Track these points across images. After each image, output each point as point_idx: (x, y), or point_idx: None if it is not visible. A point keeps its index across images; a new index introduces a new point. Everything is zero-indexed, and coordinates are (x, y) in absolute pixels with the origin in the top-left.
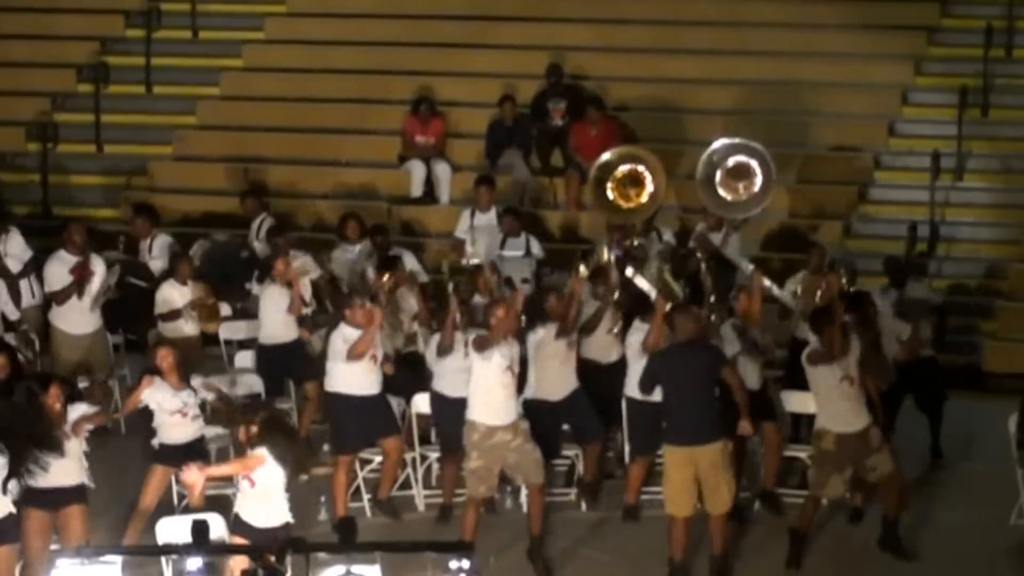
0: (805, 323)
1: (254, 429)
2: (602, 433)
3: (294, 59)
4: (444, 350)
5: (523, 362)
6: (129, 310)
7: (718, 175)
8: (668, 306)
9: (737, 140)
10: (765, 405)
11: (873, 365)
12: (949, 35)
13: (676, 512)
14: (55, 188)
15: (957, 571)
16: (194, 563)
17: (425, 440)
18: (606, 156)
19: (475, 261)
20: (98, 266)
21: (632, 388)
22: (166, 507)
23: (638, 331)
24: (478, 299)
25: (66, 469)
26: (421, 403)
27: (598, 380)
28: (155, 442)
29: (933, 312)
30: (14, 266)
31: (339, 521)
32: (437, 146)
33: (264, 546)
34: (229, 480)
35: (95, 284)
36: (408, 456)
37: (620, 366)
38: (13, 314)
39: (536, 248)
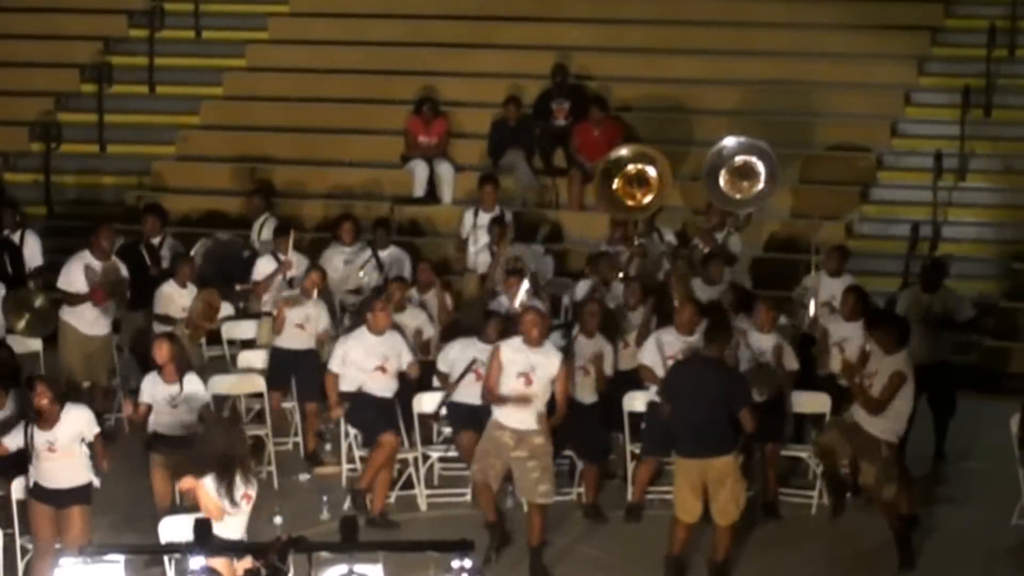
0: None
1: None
2: (601, 457)
3: (297, 59)
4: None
5: None
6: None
7: (723, 171)
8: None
9: (748, 140)
10: (775, 423)
11: None
12: (952, 35)
13: (684, 517)
14: (59, 188)
15: (958, 571)
16: (197, 562)
17: (427, 440)
18: (621, 152)
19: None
20: (121, 272)
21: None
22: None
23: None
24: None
25: (71, 471)
26: (425, 403)
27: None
28: (149, 428)
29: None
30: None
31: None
32: (440, 146)
33: (267, 545)
34: None
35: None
36: (410, 456)
37: (632, 374)
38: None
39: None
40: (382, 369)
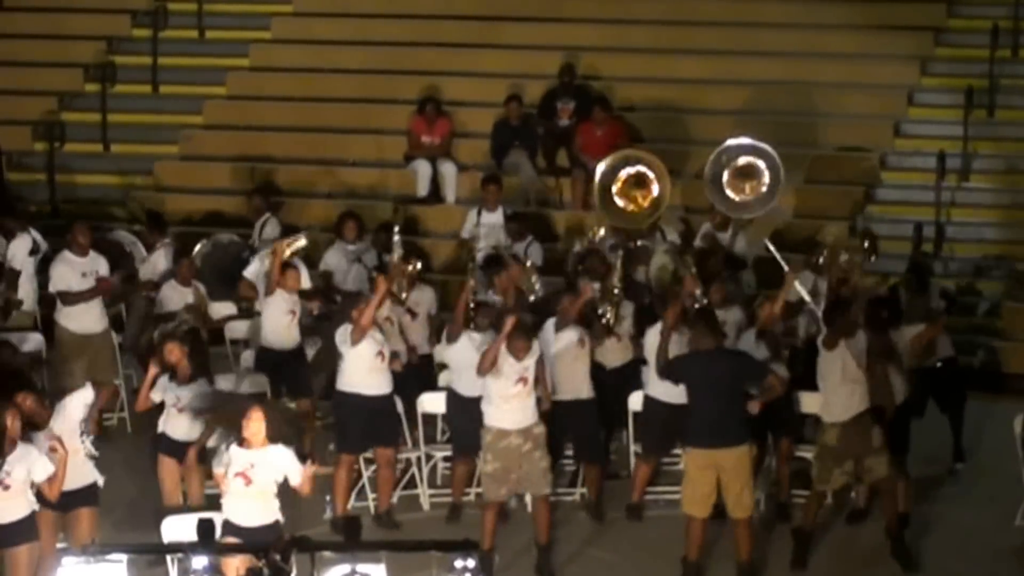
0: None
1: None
2: (599, 455)
3: (300, 59)
4: (451, 338)
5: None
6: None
7: (725, 174)
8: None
9: (748, 140)
10: (789, 419)
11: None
12: (955, 36)
13: (695, 513)
14: (62, 187)
15: (962, 571)
16: (200, 561)
17: (430, 439)
18: (606, 163)
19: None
20: (102, 267)
21: (651, 387)
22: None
23: (655, 333)
24: (491, 295)
25: (75, 471)
26: (427, 402)
27: (603, 383)
28: (160, 430)
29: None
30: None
31: (343, 520)
32: (443, 146)
33: (269, 544)
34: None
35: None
36: (413, 455)
37: (625, 370)
38: None
39: (536, 254)
40: (380, 355)
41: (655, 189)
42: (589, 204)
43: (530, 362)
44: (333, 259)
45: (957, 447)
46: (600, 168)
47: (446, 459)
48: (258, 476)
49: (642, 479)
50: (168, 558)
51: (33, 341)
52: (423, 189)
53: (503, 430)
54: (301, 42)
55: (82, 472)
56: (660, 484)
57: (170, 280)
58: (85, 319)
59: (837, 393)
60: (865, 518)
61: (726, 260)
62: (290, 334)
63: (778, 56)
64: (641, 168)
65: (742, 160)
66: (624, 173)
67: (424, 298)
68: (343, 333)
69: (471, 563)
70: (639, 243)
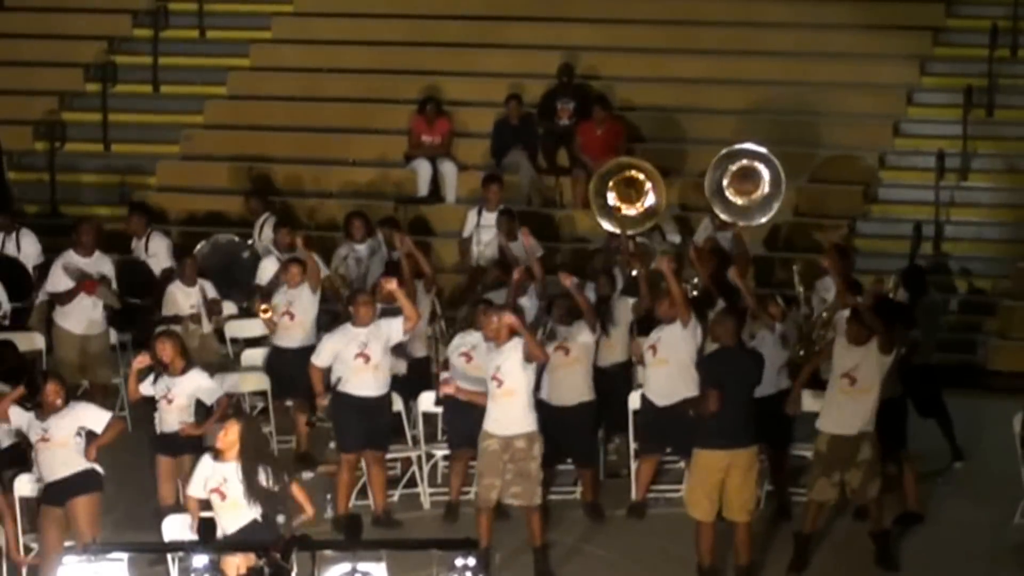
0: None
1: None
2: (595, 459)
3: (301, 59)
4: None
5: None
6: (132, 313)
7: (726, 180)
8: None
9: (736, 146)
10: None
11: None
12: (954, 35)
13: (700, 516)
14: (63, 187)
15: (960, 570)
16: (200, 560)
17: (430, 438)
18: (601, 169)
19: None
20: (106, 267)
21: (649, 388)
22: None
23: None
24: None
25: (62, 460)
26: (426, 401)
27: (598, 383)
28: (156, 430)
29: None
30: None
31: (343, 519)
32: (443, 145)
33: (270, 543)
34: None
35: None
36: (413, 454)
37: (621, 369)
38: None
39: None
40: (364, 357)
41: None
42: (589, 204)
43: (503, 359)
44: (342, 259)
45: (953, 446)
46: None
47: (446, 458)
48: (231, 490)
49: (644, 478)
50: (169, 557)
51: (33, 340)
52: (423, 189)
53: (486, 431)
54: (302, 42)
55: (70, 460)
56: (661, 483)
57: (175, 281)
58: (82, 320)
59: (833, 401)
60: (868, 516)
61: (726, 260)
62: (301, 334)
63: (778, 56)
64: (635, 173)
65: (739, 164)
66: (619, 177)
67: (423, 301)
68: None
69: (471, 562)
70: (640, 241)
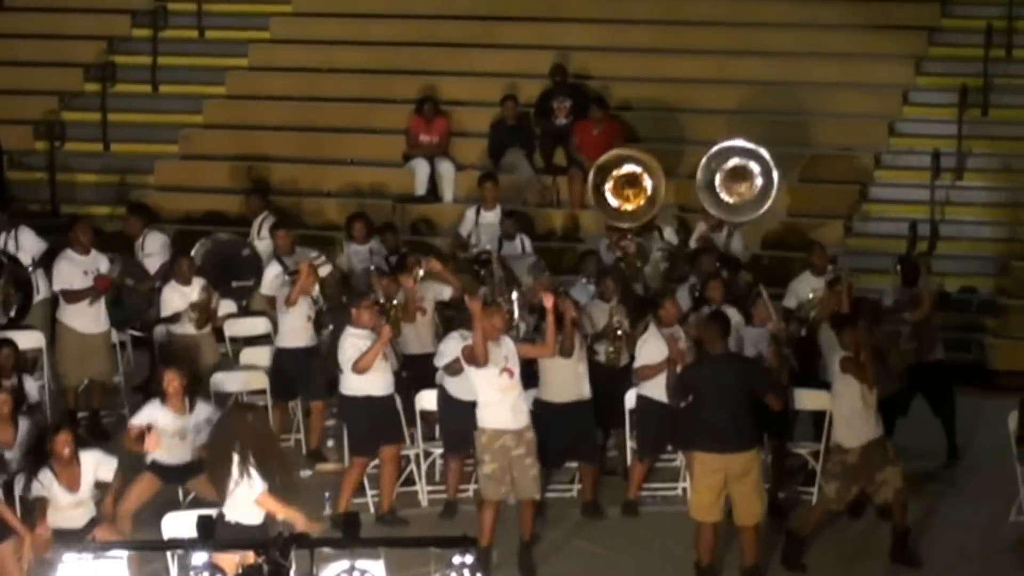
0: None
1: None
2: (595, 456)
3: (299, 59)
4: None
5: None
6: (127, 308)
7: (717, 179)
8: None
9: (733, 142)
10: (783, 418)
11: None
12: (949, 35)
13: (703, 518)
14: (62, 186)
15: (956, 567)
16: (199, 558)
17: (429, 437)
18: (602, 159)
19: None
20: (103, 265)
21: (645, 387)
22: (171, 502)
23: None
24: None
25: (81, 513)
26: (426, 400)
27: (599, 382)
28: (149, 458)
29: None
30: (25, 259)
31: (342, 516)
32: (441, 145)
33: (269, 541)
34: None
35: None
36: (412, 452)
37: (621, 369)
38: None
39: (529, 251)
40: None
41: (648, 187)
42: (586, 203)
43: (508, 351)
44: (346, 260)
45: (951, 445)
46: (596, 162)
47: (444, 456)
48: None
49: (638, 476)
50: (168, 554)
51: (33, 338)
52: (421, 188)
53: (497, 430)
54: (300, 42)
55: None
56: (656, 481)
57: (170, 281)
58: (86, 318)
59: (859, 417)
60: (862, 514)
61: (721, 260)
62: (307, 334)
63: (773, 56)
64: (633, 167)
65: (732, 162)
66: (617, 172)
67: (430, 294)
68: (347, 351)
69: (469, 559)
70: (637, 241)
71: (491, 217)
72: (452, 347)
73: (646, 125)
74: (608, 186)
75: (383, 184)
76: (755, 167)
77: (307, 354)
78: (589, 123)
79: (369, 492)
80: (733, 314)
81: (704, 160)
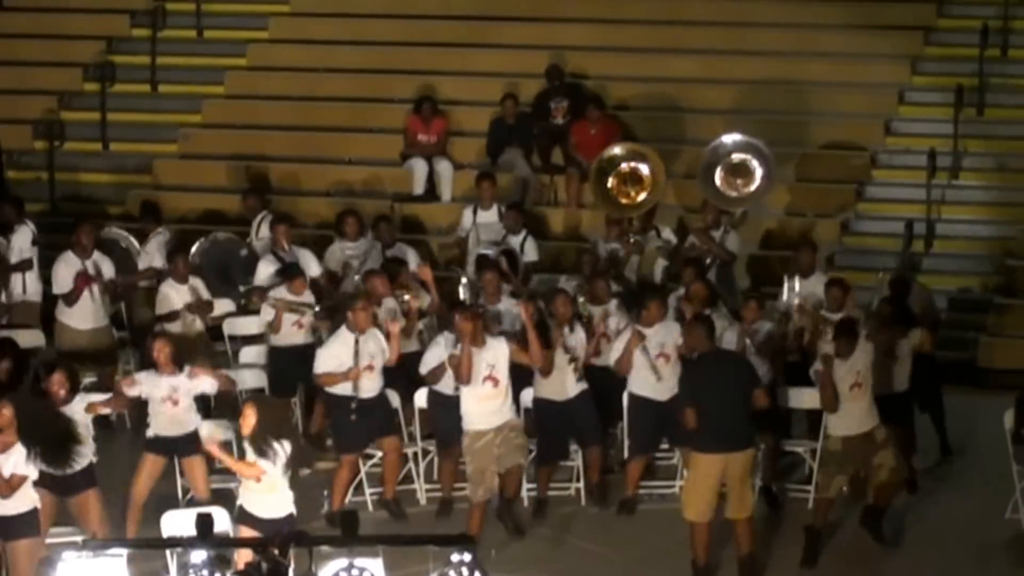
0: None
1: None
2: (601, 438)
3: (298, 58)
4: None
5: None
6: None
7: (719, 168)
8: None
9: (747, 139)
10: (774, 415)
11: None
12: (945, 35)
13: (697, 518)
14: (62, 186)
15: (952, 564)
16: (199, 556)
17: (427, 435)
18: (614, 150)
19: (483, 251)
20: (105, 266)
21: (635, 385)
22: (170, 500)
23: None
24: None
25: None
26: (421, 398)
27: (597, 379)
28: (148, 432)
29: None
30: (12, 259)
31: (340, 515)
32: (439, 144)
33: (267, 539)
34: (233, 473)
35: (97, 287)
36: (409, 451)
37: (605, 368)
38: None
39: (531, 250)
40: (370, 368)
41: (647, 190)
42: (583, 202)
43: (494, 358)
44: (335, 256)
45: (943, 442)
46: (608, 151)
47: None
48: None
49: (634, 475)
50: (167, 552)
51: (32, 337)
52: (419, 187)
53: (479, 431)
54: (298, 42)
55: (80, 454)
56: (653, 479)
57: (167, 279)
58: (86, 316)
59: (843, 408)
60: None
61: (717, 257)
62: (300, 335)
63: (769, 55)
64: (642, 168)
65: (738, 157)
66: (625, 167)
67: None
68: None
69: (467, 557)
70: (632, 240)
71: (488, 217)
72: (437, 354)
73: (643, 125)
74: (612, 179)
75: (381, 183)
76: (757, 166)
77: (303, 351)
78: (586, 123)
79: (367, 491)
80: (721, 311)
81: (712, 145)
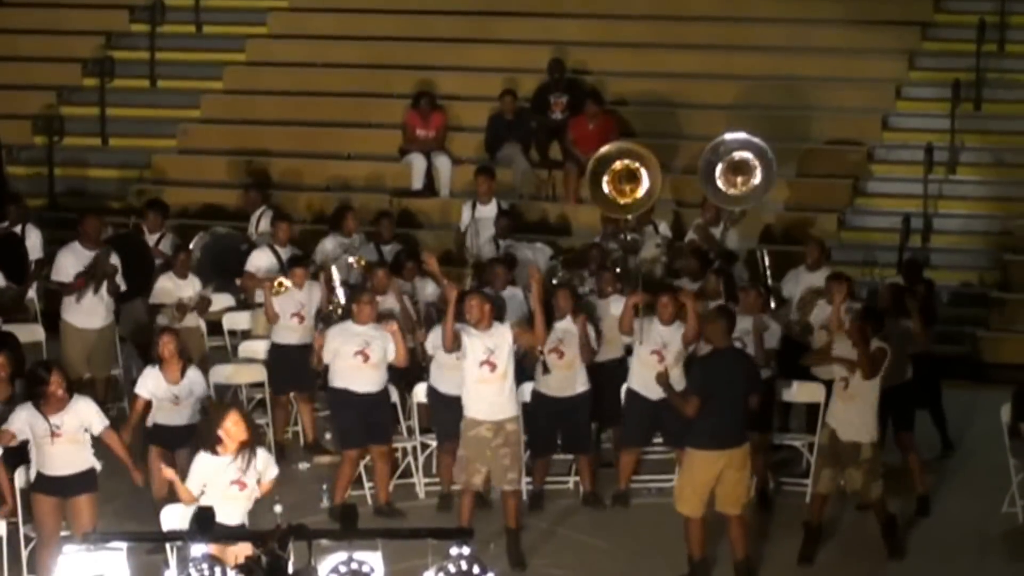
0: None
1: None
2: (589, 447)
3: (296, 53)
4: (447, 349)
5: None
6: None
7: (719, 166)
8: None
9: (747, 136)
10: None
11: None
12: (942, 30)
13: (691, 513)
14: (61, 180)
15: (950, 558)
16: (198, 549)
17: (426, 429)
18: (604, 150)
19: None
20: (113, 260)
21: (634, 381)
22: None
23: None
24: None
25: (74, 457)
26: (421, 393)
27: (593, 377)
28: (149, 422)
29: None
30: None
31: (339, 508)
32: (437, 140)
33: (267, 533)
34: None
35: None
36: (409, 444)
37: (616, 364)
38: None
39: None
40: (363, 355)
41: (645, 182)
42: (581, 197)
43: (495, 344)
44: (328, 251)
45: (944, 438)
46: (598, 152)
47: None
48: (250, 479)
49: (626, 468)
50: (167, 546)
51: (33, 333)
52: (417, 182)
53: (474, 419)
54: (297, 37)
55: (81, 458)
56: (649, 472)
57: (167, 272)
58: (91, 312)
59: (834, 404)
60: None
61: (717, 255)
62: (298, 331)
63: (767, 51)
64: (636, 164)
65: (739, 155)
66: (618, 165)
67: (427, 290)
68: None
69: (466, 550)
70: (630, 236)
71: (487, 211)
72: (440, 335)
73: (641, 120)
74: (606, 179)
75: (379, 178)
76: (758, 165)
77: (301, 349)
78: (585, 118)
79: (367, 484)
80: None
81: (712, 144)
